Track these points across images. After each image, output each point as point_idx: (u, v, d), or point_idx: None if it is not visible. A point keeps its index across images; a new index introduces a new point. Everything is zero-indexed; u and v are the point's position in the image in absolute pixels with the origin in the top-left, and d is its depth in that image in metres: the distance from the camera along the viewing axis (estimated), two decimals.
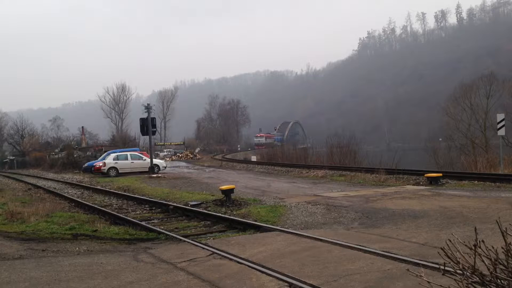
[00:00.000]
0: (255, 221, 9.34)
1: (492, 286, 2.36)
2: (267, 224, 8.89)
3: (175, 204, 12.61)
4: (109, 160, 29.37)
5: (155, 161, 29.05)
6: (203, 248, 6.97)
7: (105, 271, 5.85)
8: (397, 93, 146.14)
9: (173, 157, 60.57)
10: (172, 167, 34.59)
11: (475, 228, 2.90)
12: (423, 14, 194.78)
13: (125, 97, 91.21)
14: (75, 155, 44.93)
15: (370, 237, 7.16)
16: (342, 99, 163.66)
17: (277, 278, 5.04)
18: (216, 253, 6.53)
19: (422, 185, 14.99)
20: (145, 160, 28.94)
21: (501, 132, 18.53)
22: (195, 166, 37.56)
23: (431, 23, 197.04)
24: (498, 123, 18.45)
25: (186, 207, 12.08)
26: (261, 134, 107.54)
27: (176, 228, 9.67)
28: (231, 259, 6.10)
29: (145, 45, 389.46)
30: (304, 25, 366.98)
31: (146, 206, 13.68)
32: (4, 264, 6.38)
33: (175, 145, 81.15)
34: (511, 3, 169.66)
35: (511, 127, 27.16)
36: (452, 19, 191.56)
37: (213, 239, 8.11)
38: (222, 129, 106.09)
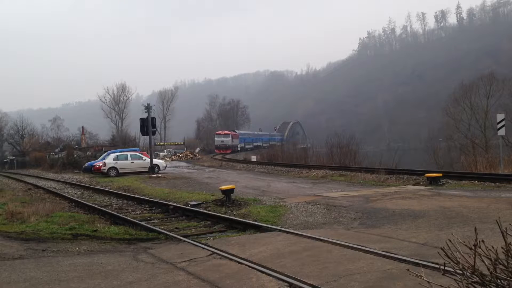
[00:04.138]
0: (255, 221, 9.34)
1: (492, 286, 2.36)
2: (267, 224, 8.89)
3: (175, 204, 12.61)
4: (109, 160, 29.36)
5: (155, 161, 29.03)
6: (203, 248, 6.97)
7: (105, 271, 5.85)
8: (397, 93, 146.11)
9: (173, 157, 60.45)
10: (172, 167, 34.56)
11: (475, 228, 2.89)
12: (423, 14, 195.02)
13: (125, 97, 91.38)
14: (75, 155, 44.94)
15: (370, 237, 7.16)
16: (342, 99, 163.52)
17: (277, 278, 5.04)
18: (216, 253, 6.53)
19: (422, 185, 14.98)
20: (145, 160, 28.93)
21: (501, 132, 18.54)
22: (195, 166, 37.53)
23: (431, 23, 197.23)
24: (498, 123, 18.46)
25: (186, 207, 12.09)
26: (225, 132, 74.14)
27: (176, 228, 9.67)
28: (231, 259, 6.10)
29: (145, 45, 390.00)
30: (304, 25, 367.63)
31: (146, 206, 13.69)
32: (4, 264, 6.38)
33: (175, 145, 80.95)
34: (511, 3, 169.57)
35: (511, 127, 27.16)
36: (452, 19, 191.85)
37: (213, 239, 8.11)
38: (222, 129, 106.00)
